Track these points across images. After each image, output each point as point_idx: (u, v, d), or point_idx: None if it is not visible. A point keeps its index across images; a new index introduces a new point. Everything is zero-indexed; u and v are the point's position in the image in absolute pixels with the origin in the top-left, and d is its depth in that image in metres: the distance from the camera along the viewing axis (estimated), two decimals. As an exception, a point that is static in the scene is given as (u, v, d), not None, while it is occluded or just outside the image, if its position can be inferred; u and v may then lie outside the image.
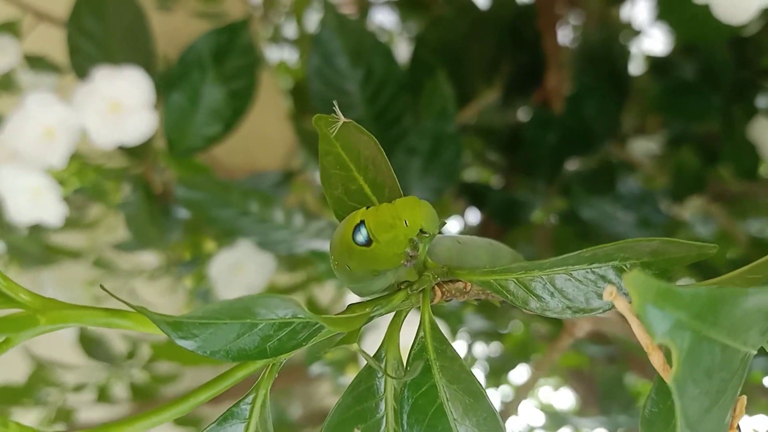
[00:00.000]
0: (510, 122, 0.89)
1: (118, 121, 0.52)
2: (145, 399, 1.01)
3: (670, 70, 0.80)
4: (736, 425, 0.16)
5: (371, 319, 0.19)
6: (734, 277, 0.18)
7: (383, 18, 1.21)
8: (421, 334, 0.19)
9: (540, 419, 1.23)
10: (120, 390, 1.03)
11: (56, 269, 0.98)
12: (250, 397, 0.18)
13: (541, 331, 0.89)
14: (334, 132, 0.20)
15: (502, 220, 0.81)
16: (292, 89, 1.08)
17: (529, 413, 1.26)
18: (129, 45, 0.58)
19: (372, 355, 0.19)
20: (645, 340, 0.15)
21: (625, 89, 0.82)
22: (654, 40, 0.99)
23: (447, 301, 0.20)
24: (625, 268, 0.17)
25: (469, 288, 0.20)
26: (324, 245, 0.59)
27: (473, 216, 1.01)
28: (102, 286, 0.18)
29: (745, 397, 0.17)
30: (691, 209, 0.81)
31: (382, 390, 0.19)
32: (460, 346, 0.99)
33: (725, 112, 0.76)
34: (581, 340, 0.78)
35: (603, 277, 0.17)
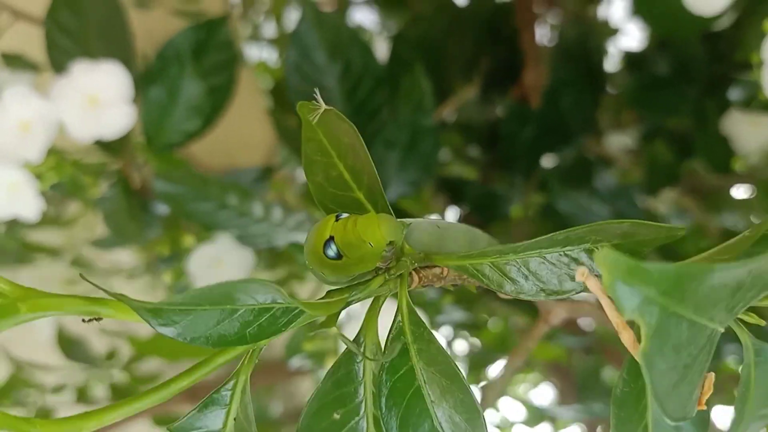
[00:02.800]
0: (489, 118, 0.90)
1: (96, 115, 0.51)
2: (125, 399, 1.00)
3: (645, 66, 0.82)
4: (704, 401, 0.17)
5: (349, 303, 0.19)
6: (703, 259, 0.19)
7: (363, 17, 1.21)
8: (399, 318, 0.19)
9: (520, 414, 1.24)
10: (100, 391, 1.03)
11: (34, 268, 0.97)
12: (231, 383, 0.18)
13: (519, 324, 0.90)
14: (315, 119, 0.20)
15: (481, 214, 0.82)
16: (272, 88, 1.08)
17: (510, 408, 1.27)
18: (107, 40, 0.57)
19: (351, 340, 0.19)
20: (615, 319, 0.16)
21: (600, 85, 0.83)
22: (630, 38, 1.00)
23: (424, 286, 0.21)
24: (596, 249, 0.17)
25: (446, 273, 0.21)
26: (303, 238, 0.59)
27: (453, 213, 1.01)
28: (82, 275, 0.18)
29: (712, 374, 0.17)
30: (665, 202, 0.82)
31: (361, 375, 0.20)
32: (440, 341, 1.00)
33: (698, 106, 0.78)
34: (558, 332, 0.79)
35: (575, 260, 0.18)
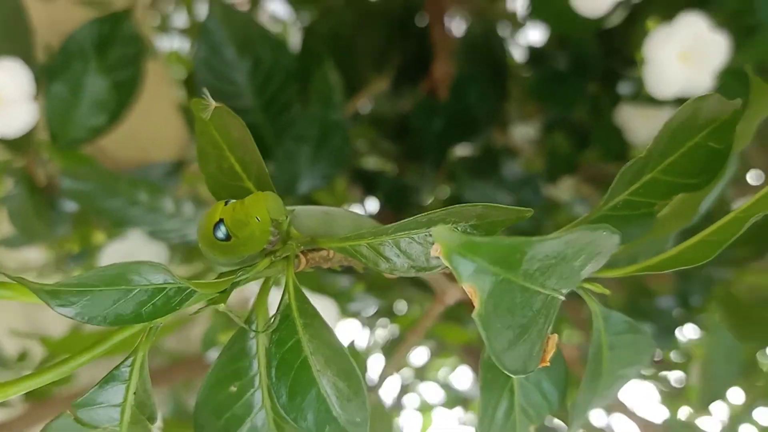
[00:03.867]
0: (400, 111, 0.92)
1: (-3, 111, 0.51)
2: (40, 400, 0.98)
3: (545, 61, 0.86)
4: (548, 359, 0.19)
5: (237, 283, 0.21)
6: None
7: (276, 8, 1.22)
8: (286, 296, 0.21)
9: (439, 397, 1.28)
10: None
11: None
12: (130, 359, 0.20)
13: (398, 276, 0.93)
14: (207, 116, 0.22)
15: (394, 204, 0.84)
16: (185, 79, 1.07)
17: (430, 392, 1.31)
18: (7, 36, 0.57)
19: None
20: (467, 288, 0.18)
21: (504, 78, 0.86)
22: (535, 32, 1.04)
23: (312, 268, 0.22)
24: (456, 230, 0.20)
25: (332, 255, 0.23)
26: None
27: (372, 204, 1.03)
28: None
29: (556, 335, 0.20)
30: (566, 191, 0.87)
31: (255, 349, 0.21)
32: (359, 331, 1.02)
33: (594, 99, 0.83)
34: (469, 317, 0.83)
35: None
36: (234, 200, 0.21)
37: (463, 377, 1.38)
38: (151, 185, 0.55)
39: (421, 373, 1.28)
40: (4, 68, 0.51)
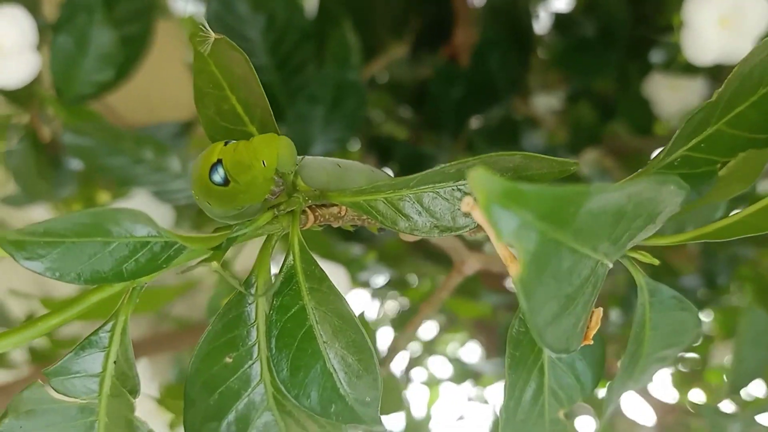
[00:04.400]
0: (418, 77, 0.89)
1: (-2, 61, 0.48)
2: (45, 363, 0.97)
3: (572, 28, 0.82)
4: (591, 336, 0.17)
5: (233, 240, 0.18)
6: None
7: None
8: (291, 257, 0.19)
9: (447, 371, 1.26)
10: (19, 354, 0.99)
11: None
12: (110, 324, 0.17)
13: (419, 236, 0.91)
14: (206, 50, 0.19)
15: (409, 173, 0.81)
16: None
17: (438, 366, 1.30)
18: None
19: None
20: (502, 251, 0.15)
21: (528, 45, 0.83)
22: None
23: (321, 226, 0.20)
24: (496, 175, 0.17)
25: (343, 213, 0.20)
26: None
27: (387, 171, 1.01)
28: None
29: (600, 309, 0.17)
30: (588, 163, 0.84)
31: (254, 316, 0.19)
32: (369, 302, 1.00)
33: (621, 68, 0.79)
34: (483, 290, 0.80)
35: (468, 195, 0.18)
36: (235, 141, 0.18)
37: (473, 352, 1.36)
38: (157, 144, 0.52)
39: (430, 347, 1.26)
40: (5, 16, 0.48)
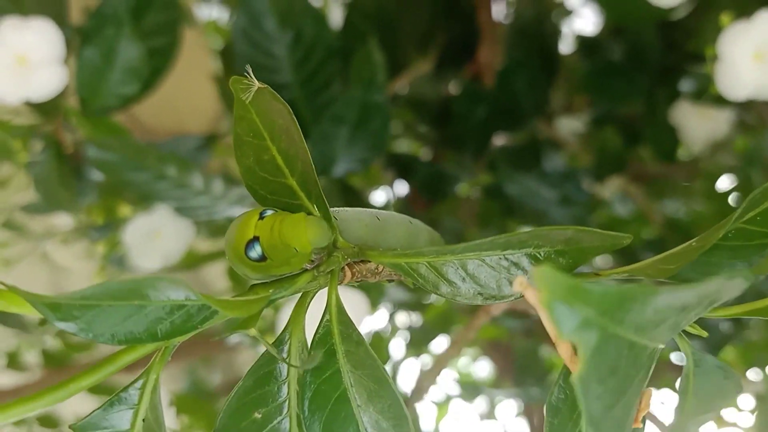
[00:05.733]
0: (441, 95, 0.89)
1: (25, 75, 0.48)
2: (58, 366, 0.97)
3: (599, 51, 0.81)
4: (640, 418, 0.16)
5: (272, 302, 0.18)
6: (647, 266, 0.18)
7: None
8: (327, 317, 0.18)
9: (456, 389, 1.25)
10: (32, 357, 1.00)
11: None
12: (140, 381, 0.17)
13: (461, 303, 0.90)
14: (248, 98, 0.19)
15: (429, 193, 0.81)
16: (222, 50, 1.04)
17: (448, 382, 1.29)
18: (40, -5, 0.54)
19: (276, 336, 0.18)
20: (563, 348, 0.15)
21: (554, 67, 0.82)
22: (585, 20, 1.00)
23: (358, 282, 0.19)
24: (538, 255, 0.16)
25: (381, 269, 0.19)
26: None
27: (402, 187, 1.00)
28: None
29: (651, 389, 0.17)
30: (611, 189, 0.83)
31: (285, 373, 0.18)
32: (381, 315, 1.00)
33: (649, 94, 0.78)
34: (502, 315, 0.80)
35: (516, 264, 0.17)
36: (271, 211, 0.18)
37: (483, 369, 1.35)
38: (180, 160, 0.52)
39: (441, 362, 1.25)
40: (33, 29, 0.48)
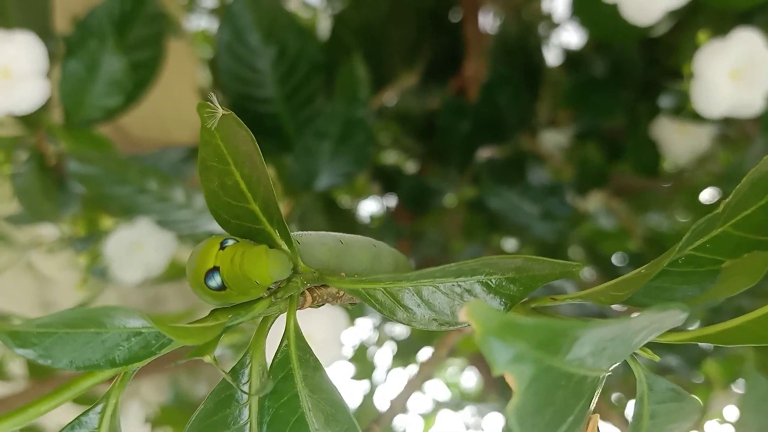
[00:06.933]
0: (427, 108, 0.89)
1: (8, 88, 0.48)
2: (43, 376, 0.97)
3: (582, 66, 0.82)
4: (588, 442, 0.16)
5: (229, 328, 0.18)
6: (600, 292, 0.18)
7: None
8: (285, 342, 0.18)
9: (443, 399, 1.25)
10: (17, 367, 0.99)
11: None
12: (100, 406, 0.17)
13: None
14: (213, 124, 0.19)
15: (413, 206, 0.81)
16: (210, 60, 1.05)
17: (434, 393, 1.29)
18: (22, 7, 0.54)
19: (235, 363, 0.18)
20: (508, 377, 0.15)
21: (538, 82, 0.83)
22: (571, 33, 1.01)
23: (319, 306, 0.20)
24: (490, 282, 0.17)
25: (342, 293, 0.20)
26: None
27: (392, 200, 1.01)
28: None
29: (597, 415, 0.17)
30: (593, 202, 0.84)
31: (245, 397, 0.19)
32: (366, 325, 1.00)
33: (631, 109, 0.79)
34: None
35: (469, 291, 0.17)
36: (232, 241, 0.18)
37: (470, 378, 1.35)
38: (162, 175, 0.52)
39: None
40: (16, 42, 0.49)
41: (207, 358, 0.16)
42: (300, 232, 0.20)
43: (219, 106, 0.19)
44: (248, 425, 0.19)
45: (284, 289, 0.19)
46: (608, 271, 0.72)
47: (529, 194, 0.74)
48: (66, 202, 0.63)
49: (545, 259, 0.16)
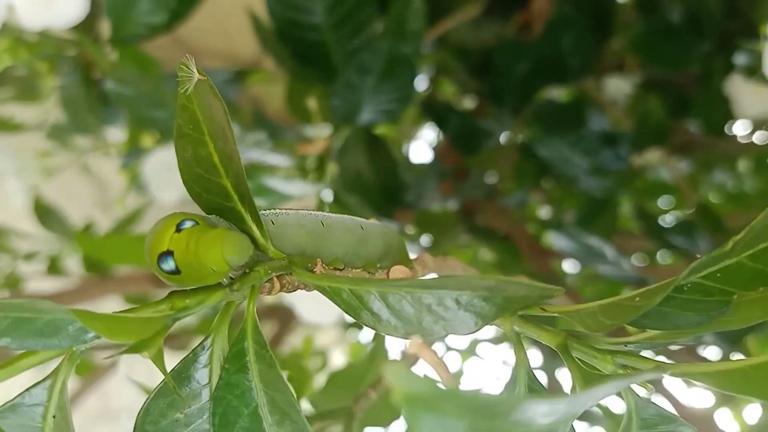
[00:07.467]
0: (485, 43, 0.85)
1: (47, 2, 0.48)
2: (98, 273, 1.00)
3: (656, 11, 0.76)
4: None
5: (177, 320, 0.17)
6: (589, 316, 0.16)
7: None
8: (242, 335, 0.17)
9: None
10: (72, 263, 1.02)
11: (10, 137, 0.94)
12: (48, 381, 0.16)
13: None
14: (188, 89, 0.17)
15: (460, 146, 0.79)
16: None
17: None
18: None
19: (202, 341, 0.18)
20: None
21: (607, 24, 0.78)
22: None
23: (289, 292, 0.19)
24: (460, 300, 0.15)
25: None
26: (263, 157, 0.57)
27: (434, 134, 0.98)
28: None
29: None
30: (651, 160, 0.79)
31: (206, 379, 0.18)
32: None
33: (705, 62, 0.73)
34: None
35: (439, 302, 0.16)
36: (190, 223, 0.17)
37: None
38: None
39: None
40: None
41: (145, 354, 0.16)
42: (276, 211, 0.19)
43: (195, 71, 0.17)
44: (207, 412, 0.18)
45: (241, 280, 0.18)
46: (655, 232, 0.69)
47: (581, 145, 0.71)
48: (110, 116, 0.63)
49: (522, 282, 0.15)
